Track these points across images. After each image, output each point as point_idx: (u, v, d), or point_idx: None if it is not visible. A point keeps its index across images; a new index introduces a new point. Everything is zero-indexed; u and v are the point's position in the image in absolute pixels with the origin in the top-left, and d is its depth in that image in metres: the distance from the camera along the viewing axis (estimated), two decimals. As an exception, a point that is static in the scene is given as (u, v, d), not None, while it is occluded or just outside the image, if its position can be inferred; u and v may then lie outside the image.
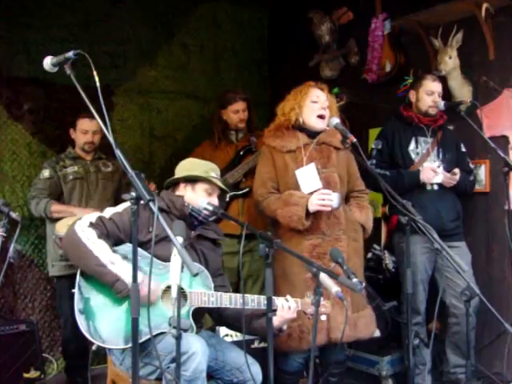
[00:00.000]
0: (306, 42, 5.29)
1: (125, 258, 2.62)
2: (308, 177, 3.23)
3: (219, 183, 2.92)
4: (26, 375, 3.84)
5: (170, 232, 1.83)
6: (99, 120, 2.08)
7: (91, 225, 2.65)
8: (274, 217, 3.29)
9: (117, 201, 4.02)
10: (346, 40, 4.98)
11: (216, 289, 2.80)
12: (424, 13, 4.18)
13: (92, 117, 3.98)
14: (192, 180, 2.90)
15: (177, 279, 2.13)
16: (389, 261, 3.99)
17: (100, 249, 2.57)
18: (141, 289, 2.14)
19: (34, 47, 4.52)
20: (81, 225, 2.64)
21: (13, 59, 4.46)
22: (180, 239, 2.19)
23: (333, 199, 3.17)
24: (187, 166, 2.98)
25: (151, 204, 1.90)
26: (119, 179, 4.27)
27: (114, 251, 2.63)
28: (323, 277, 2.42)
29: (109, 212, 2.76)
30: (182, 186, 2.93)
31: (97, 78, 2.12)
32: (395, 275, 3.96)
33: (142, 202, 2.03)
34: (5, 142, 4.43)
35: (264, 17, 5.80)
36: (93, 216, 2.71)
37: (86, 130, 4.09)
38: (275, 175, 3.36)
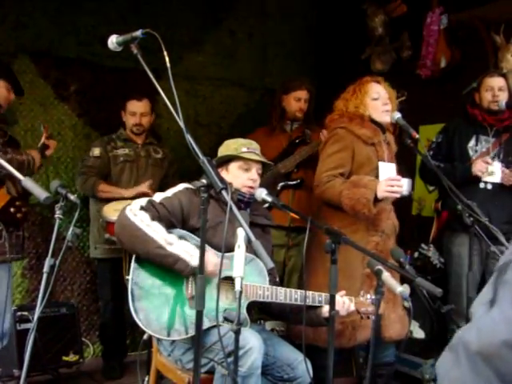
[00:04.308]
0: (354, 34, 5.18)
1: (181, 237, 2.55)
2: (387, 174, 3.10)
3: (252, 156, 2.77)
4: (65, 358, 3.81)
5: (243, 223, 1.75)
6: (168, 102, 1.98)
7: (142, 208, 2.57)
8: (337, 199, 3.07)
9: (162, 189, 3.95)
10: (399, 33, 4.85)
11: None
12: (485, 8, 4.04)
13: (140, 98, 4.00)
14: (225, 161, 2.81)
15: (241, 272, 2.04)
16: (433, 256, 3.89)
17: (156, 231, 2.50)
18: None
19: (84, 29, 4.48)
20: (132, 209, 2.56)
21: (62, 40, 4.41)
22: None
23: (402, 185, 3.00)
24: (221, 150, 2.88)
25: (224, 192, 1.80)
26: (167, 167, 4.22)
27: (170, 232, 2.55)
28: (386, 276, 2.33)
29: (158, 197, 2.68)
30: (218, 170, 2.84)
31: (167, 59, 2.06)
32: (443, 274, 3.86)
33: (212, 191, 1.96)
34: (51, 123, 4.37)
35: (313, 7, 5.67)
36: (143, 200, 2.64)
37: (133, 112, 4.04)
38: (350, 164, 3.19)
